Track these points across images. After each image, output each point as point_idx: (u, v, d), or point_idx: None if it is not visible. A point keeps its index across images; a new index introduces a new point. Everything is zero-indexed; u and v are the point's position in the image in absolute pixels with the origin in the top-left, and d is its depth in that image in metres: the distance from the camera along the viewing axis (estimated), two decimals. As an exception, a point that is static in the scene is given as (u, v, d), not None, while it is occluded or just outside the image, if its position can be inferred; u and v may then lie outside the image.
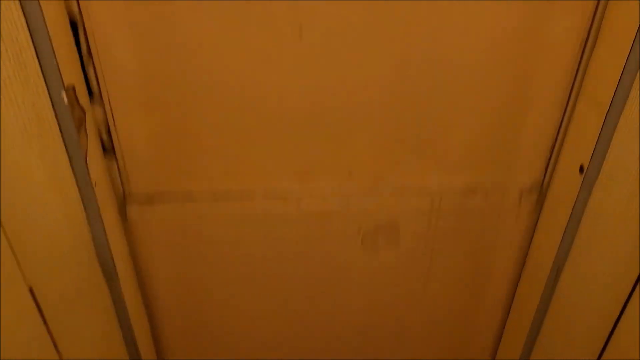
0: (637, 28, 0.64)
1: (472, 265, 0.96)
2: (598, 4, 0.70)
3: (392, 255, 0.93)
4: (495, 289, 1.00)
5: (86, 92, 0.72)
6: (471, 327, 1.07)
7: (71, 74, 0.68)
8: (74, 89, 0.67)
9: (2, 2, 0.54)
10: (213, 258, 0.92)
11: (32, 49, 0.60)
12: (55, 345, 0.81)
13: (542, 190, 0.86)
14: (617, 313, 0.79)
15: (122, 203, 0.83)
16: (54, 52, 0.62)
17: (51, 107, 0.64)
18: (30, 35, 0.59)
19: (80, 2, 0.67)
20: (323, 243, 0.91)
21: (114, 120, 0.76)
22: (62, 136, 0.67)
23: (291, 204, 0.85)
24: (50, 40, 0.61)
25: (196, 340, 1.06)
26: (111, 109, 0.75)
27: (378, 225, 0.89)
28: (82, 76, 0.71)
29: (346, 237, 0.90)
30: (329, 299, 1.00)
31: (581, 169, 0.75)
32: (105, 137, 0.77)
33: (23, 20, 0.58)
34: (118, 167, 0.80)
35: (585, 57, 0.74)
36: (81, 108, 0.69)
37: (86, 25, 0.68)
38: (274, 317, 1.02)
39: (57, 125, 0.66)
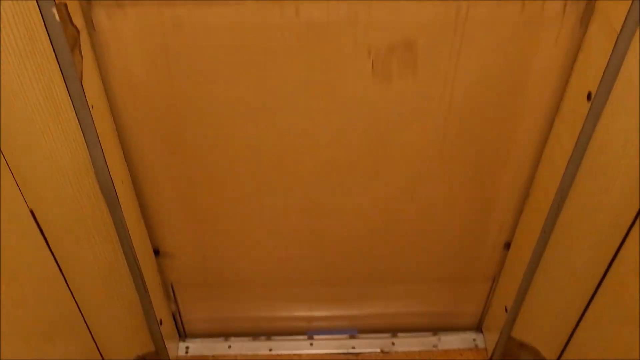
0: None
1: (499, 99, 0.83)
2: None
3: (407, 84, 0.80)
4: (523, 135, 0.87)
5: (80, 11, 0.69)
6: (494, 186, 0.95)
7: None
8: (65, 6, 0.64)
9: None
10: (196, 82, 0.79)
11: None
12: (59, 267, 0.83)
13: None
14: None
15: (87, 8, 0.70)
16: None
17: (43, 24, 0.62)
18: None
19: None
20: (326, 69, 0.78)
21: None
22: (56, 56, 0.65)
23: (288, 9, 0.71)
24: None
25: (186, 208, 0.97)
26: None
27: (391, 44, 0.75)
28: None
29: (354, 61, 0.77)
30: (330, 141, 0.87)
31: (589, 96, 0.73)
32: None
33: None
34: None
35: None
36: (75, 27, 0.67)
37: None
38: (268, 163, 0.90)
39: (50, 44, 0.64)
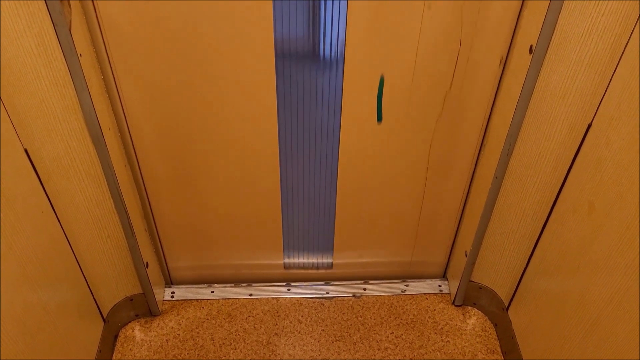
0: None
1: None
2: None
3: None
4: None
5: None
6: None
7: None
8: (56, -40, 0.71)
9: None
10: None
11: None
12: (51, 203, 0.90)
13: None
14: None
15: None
16: None
17: (35, -24, 0.69)
18: None
19: None
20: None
21: None
22: (47, 5, 0.72)
23: None
24: None
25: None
26: None
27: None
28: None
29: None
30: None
31: (530, 49, 0.81)
32: None
33: None
34: None
35: None
36: (64, -19, 0.74)
37: None
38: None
39: (41, -5, 0.71)
